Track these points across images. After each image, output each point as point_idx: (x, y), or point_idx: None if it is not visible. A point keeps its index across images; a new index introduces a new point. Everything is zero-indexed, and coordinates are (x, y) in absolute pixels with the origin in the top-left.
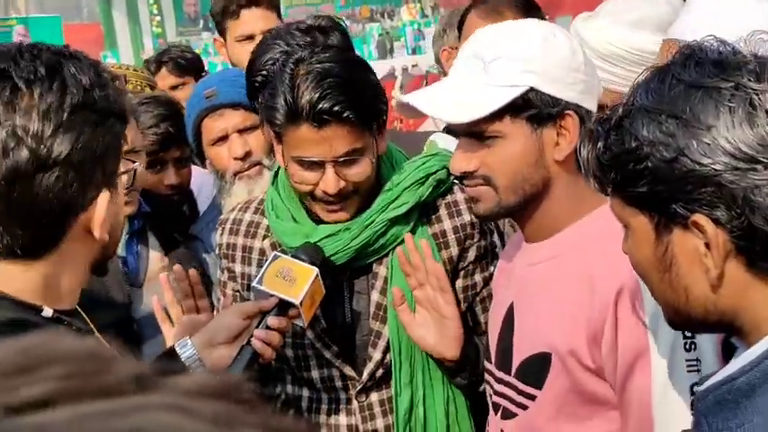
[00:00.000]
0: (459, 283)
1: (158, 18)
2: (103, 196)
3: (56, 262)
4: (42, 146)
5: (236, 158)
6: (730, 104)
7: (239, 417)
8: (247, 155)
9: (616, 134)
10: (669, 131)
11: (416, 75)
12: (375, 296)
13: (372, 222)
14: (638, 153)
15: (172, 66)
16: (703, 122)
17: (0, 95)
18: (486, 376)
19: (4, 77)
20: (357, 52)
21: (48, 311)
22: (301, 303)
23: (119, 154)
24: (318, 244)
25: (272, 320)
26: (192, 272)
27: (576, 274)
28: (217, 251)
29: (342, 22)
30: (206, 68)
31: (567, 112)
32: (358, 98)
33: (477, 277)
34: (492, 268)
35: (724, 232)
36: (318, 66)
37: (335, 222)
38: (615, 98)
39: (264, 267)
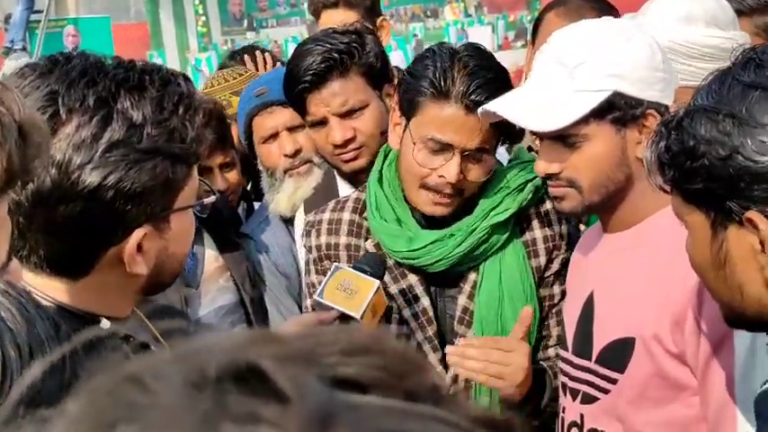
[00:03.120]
0: (540, 292)
1: (203, 18)
2: (137, 233)
3: (95, 283)
4: (66, 178)
5: (286, 156)
6: None
7: None
8: (297, 152)
9: (676, 134)
10: (725, 130)
11: None
12: (462, 300)
13: (476, 229)
14: (695, 151)
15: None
16: (759, 121)
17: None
18: (562, 364)
19: (50, 101)
20: (399, 52)
21: (105, 323)
22: (362, 317)
23: (168, 192)
24: (420, 250)
25: None
26: None
27: (661, 260)
28: (313, 254)
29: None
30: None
31: (649, 111)
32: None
33: (557, 289)
34: None
35: None
36: (474, 60)
37: (436, 215)
38: (676, 92)
39: (326, 279)
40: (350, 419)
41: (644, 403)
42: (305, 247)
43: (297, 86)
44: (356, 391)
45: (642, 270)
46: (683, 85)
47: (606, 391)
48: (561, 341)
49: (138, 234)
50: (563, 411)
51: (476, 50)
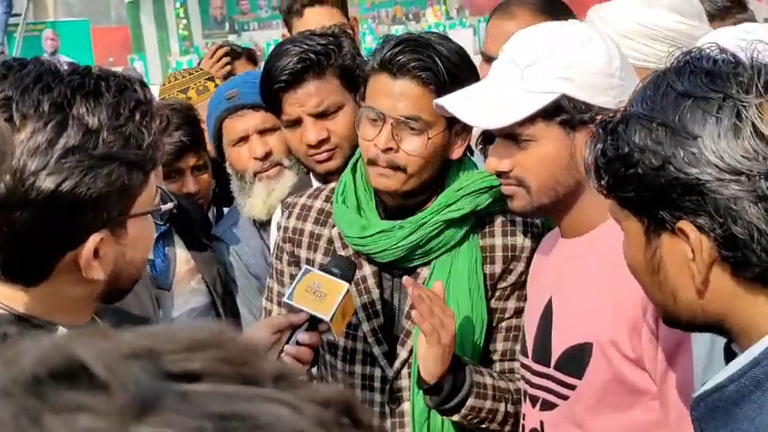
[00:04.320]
0: (492, 303)
1: (185, 21)
2: (93, 239)
3: (51, 289)
4: (21, 184)
5: (256, 158)
6: (717, 115)
7: (342, 425)
8: (267, 155)
9: (612, 139)
10: (658, 139)
11: None
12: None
13: (426, 223)
14: (628, 159)
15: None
16: (690, 132)
17: None
18: (522, 371)
19: (4, 106)
20: None
21: (62, 331)
22: (331, 319)
23: (125, 198)
24: (369, 238)
25: (301, 336)
26: None
27: (616, 266)
28: (280, 233)
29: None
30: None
31: (599, 117)
32: (443, 71)
33: (511, 303)
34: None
35: (708, 240)
36: (422, 37)
37: (383, 189)
38: (639, 74)
39: (295, 282)
40: (174, 405)
41: (603, 409)
42: (277, 227)
43: (273, 86)
44: (191, 382)
45: (599, 276)
46: (641, 65)
47: (565, 398)
48: (522, 350)
49: (94, 239)
50: (523, 419)
51: (432, 33)
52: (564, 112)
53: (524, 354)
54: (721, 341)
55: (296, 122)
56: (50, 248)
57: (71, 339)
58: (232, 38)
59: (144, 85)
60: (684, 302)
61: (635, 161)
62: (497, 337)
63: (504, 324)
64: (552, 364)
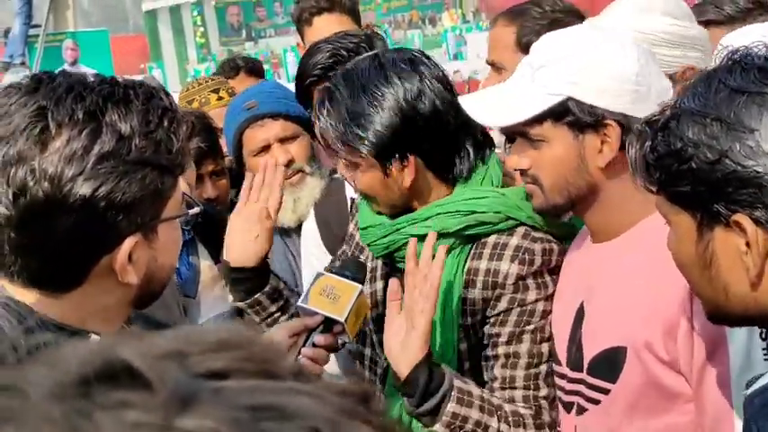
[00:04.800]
0: (486, 329)
1: (202, 29)
2: (128, 242)
3: (86, 295)
4: (59, 190)
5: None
6: None
7: (360, 413)
8: (290, 162)
9: (662, 135)
10: (713, 134)
11: (458, 81)
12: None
13: (398, 230)
14: (682, 154)
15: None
16: (747, 126)
17: (30, 133)
18: (557, 380)
19: (40, 116)
20: None
21: (95, 338)
22: (346, 320)
23: (157, 203)
24: (362, 230)
25: (318, 338)
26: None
27: (649, 268)
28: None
29: (382, 33)
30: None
31: (607, 121)
32: (336, 113)
33: (507, 329)
34: (530, 327)
35: (764, 232)
36: (342, 76)
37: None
38: None
39: (309, 285)
40: (211, 399)
41: (637, 413)
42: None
43: (305, 81)
44: (220, 380)
45: (631, 279)
46: None
47: (596, 402)
48: (555, 359)
49: (129, 243)
50: (559, 426)
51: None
52: (570, 115)
53: (557, 362)
54: (758, 341)
55: None
56: (87, 253)
57: (110, 342)
58: (249, 45)
59: (167, 94)
60: (738, 296)
61: (689, 156)
62: (495, 365)
63: (500, 350)
64: (584, 369)
